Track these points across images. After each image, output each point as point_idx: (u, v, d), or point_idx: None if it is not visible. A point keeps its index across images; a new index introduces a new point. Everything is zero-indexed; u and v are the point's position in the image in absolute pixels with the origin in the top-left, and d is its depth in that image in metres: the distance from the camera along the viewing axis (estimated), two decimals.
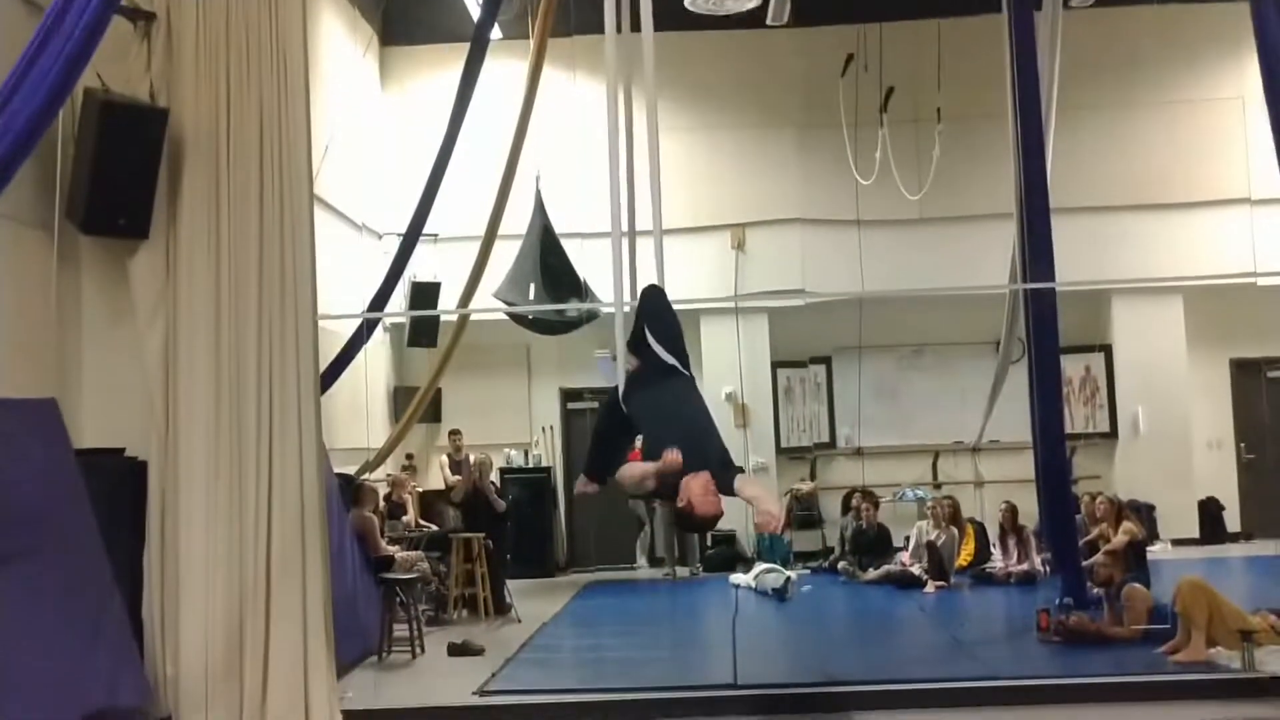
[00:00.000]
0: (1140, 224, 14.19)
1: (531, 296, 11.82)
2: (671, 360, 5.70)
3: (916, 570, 11.91)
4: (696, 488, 5.07)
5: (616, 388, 5.89)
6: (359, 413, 11.96)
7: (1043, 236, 9.23)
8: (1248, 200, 14.23)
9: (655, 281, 6.41)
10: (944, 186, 13.01)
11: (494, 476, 12.88)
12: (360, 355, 10.54)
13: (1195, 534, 14.40)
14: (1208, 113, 14.43)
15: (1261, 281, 12.37)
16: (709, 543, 14.14)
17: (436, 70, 13.72)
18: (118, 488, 6.78)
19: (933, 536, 12.00)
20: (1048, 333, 9.37)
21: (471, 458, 12.58)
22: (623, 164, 6.99)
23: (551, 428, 15.12)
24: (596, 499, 14.27)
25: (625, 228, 7.12)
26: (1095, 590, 8.97)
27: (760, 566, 12.30)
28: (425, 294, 13.09)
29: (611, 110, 6.85)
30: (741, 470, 5.41)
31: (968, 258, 13.22)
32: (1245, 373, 15.13)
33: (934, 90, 12.56)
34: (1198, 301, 14.37)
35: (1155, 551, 12.44)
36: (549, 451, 14.99)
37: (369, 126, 13.53)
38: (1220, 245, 13.98)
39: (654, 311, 5.90)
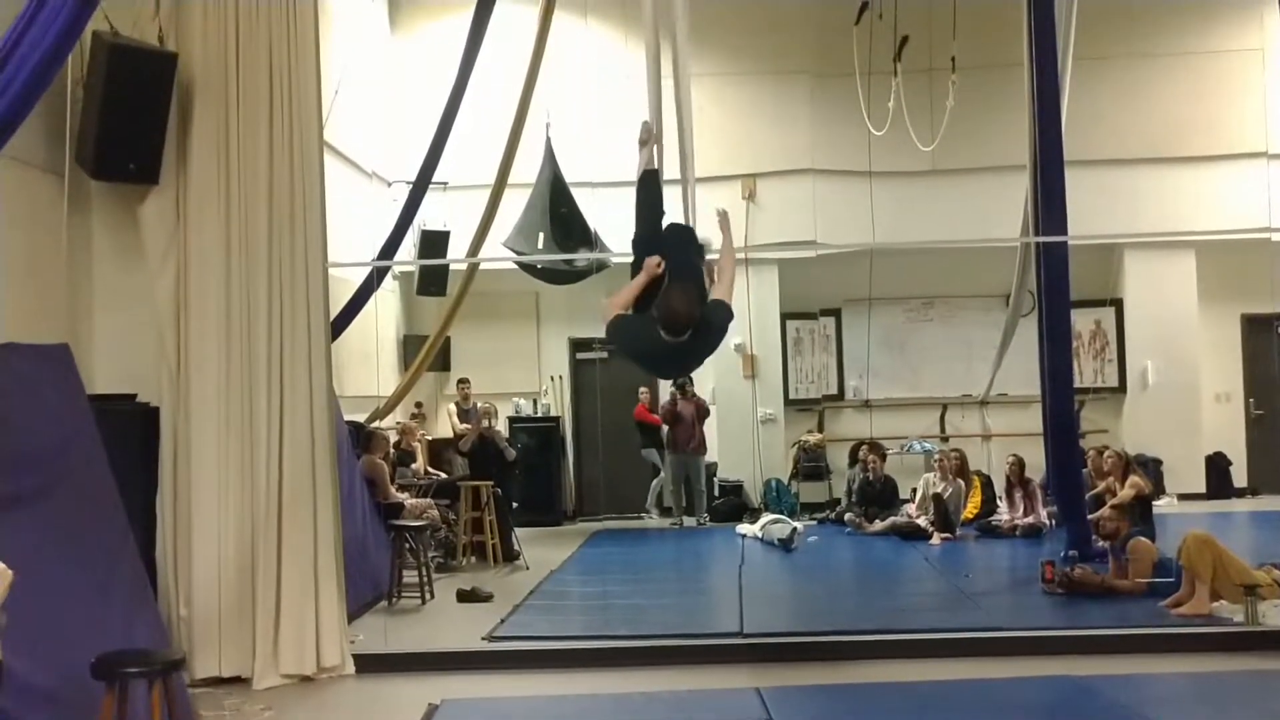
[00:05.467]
0: (1155, 177, 14.10)
1: (541, 245, 11.79)
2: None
3: (922, 522, 11.97)
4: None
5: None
6: (368, 360, 12.00)
7: (1056, 189, 9.17)
8: (1265, 154, 14.08)
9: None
10: (957, 138, 12.89)
11: (500, 425, 12.94)
12: (370, 303, 10.55)
13: (1202, 488, 14.46)
14: (1227, 65, 14.26)
15: (1276, 237, 12.28)
16: (716, 493, 14.24)
17: (446, 14, 13.57)
18: (130, 432, 6.81)
19: (939, 489, 12.04)
20: (1059, 286, 9.34)
21: (479, 406, 12.64)
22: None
23: (560, 377, 15.15)
24: (608, 449, 14.52)
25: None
26: (1100, 543, 9.02)
27: (767, 517, 12.38)
28: (435, 242, 13.06)
29: (651, 49, 6.72)
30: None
31: (980, 210, 13.16)
32: (1256, 328, 15.08)
33: (949, 39, 12.39)
34: (1210, 256, 14.29)
35: (1161, 505, 12.49)
36: (558, 401, 15.04)
37: (378, 72, 13.43)
38: (1235, 200, 13.88)
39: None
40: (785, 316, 14.87)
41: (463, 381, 13.55)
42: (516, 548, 11.04)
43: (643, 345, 5.67)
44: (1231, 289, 14.68)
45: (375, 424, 11.08)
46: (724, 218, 6.26)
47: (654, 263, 5.81)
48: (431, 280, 13.45)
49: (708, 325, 5.64)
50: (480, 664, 7.12)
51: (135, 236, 7.01)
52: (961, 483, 12.17)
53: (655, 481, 14.46)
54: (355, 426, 10.16)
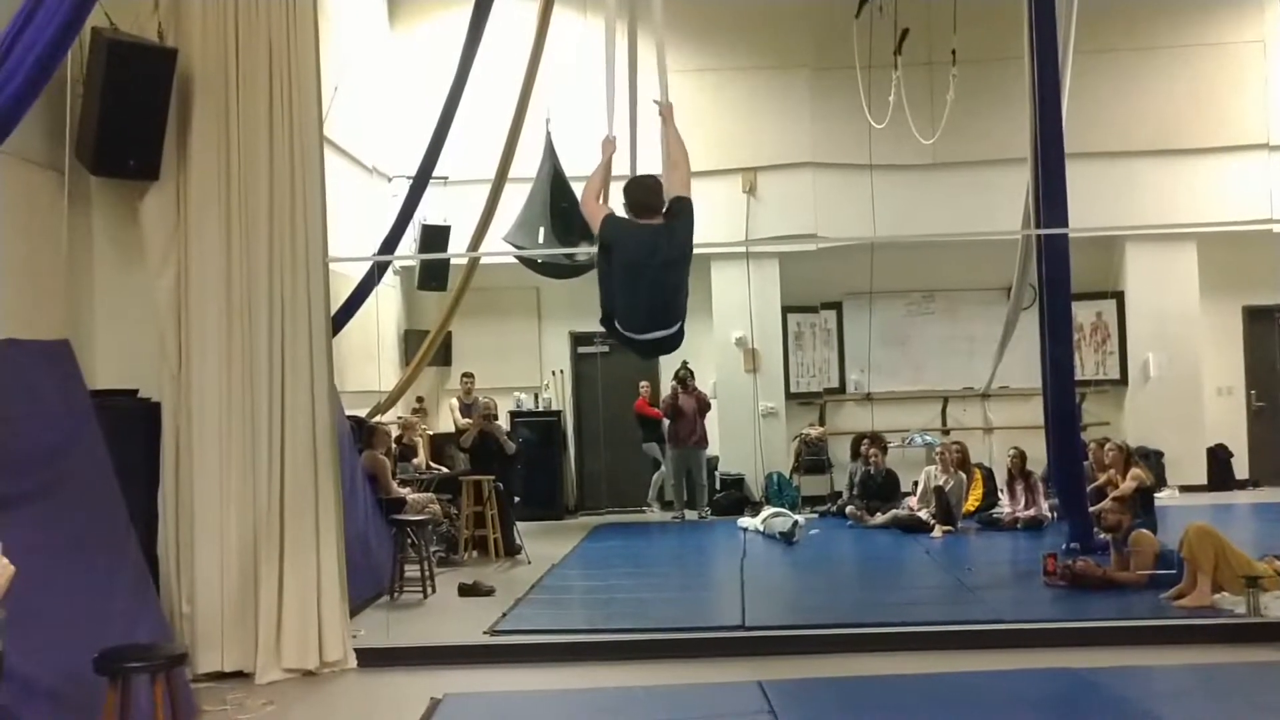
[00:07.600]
0: (1156, 170, 14.08)
1: (541, 240, 11.77)
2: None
3: (924, 515, 11.98)
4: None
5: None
6: (370, 355, 12.01)
7: (1057, 182, 9.15)
8: (1266, 146, 14.09)
9: None
10: (958, 131, 12.87)
11: (501, 420, 12.93)
12: (371, 298, 10.54)
13: (1203, 480, 14.46)
14: (1228, 56, 14.24)
15: (1277, 228, 12.28)
16: (717, 486, 14.25)
17: (446, 9, 13.56)
18: (131, 428, 6.81)
19: (940, 481, 12.05)
20: (1060, 279, 9.33)
21: (480, 401, 12.64)
22: (625, 105, 6.76)
23: (561, 371, 15.16)
24: (609, 443, 14.52)
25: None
26: (1102, 535, 9.03)
27: (768, 510, 12.40)
28: (435, 237, 13.06)
29: (610, 48, 6.58)
30: None
31: (981, 203, 13.15)
32: (1257, 320, 15.09)
33: (949, 32, 12.37)
34: (1211, 248, 14.28)
35: (1163, 497, 12.50)
36: (559, 395, 15.05)
37: (378, 67, 13.42)
38: (1236, 192, 13.88)
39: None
40: (786, 310, 14.86)
41: (467, 376, 13.56)
42: (518, 542, 11.05)
43: (630, 235, 5.68)
44: (1233, 281, 14.67)
45: (376, 419, 11.09)
46: (666, 108, 6.15)
47: (609, 141, 6.13)
48: (432, 275, 13.45)
49: (679, 211, 5.75)
50: (482, 658, 7.14)
51: (135, 232, 7.01)
52: (963, 475, 12.18)
53: (656, 475, 14.48)
54: (356, 421, 10.17)
